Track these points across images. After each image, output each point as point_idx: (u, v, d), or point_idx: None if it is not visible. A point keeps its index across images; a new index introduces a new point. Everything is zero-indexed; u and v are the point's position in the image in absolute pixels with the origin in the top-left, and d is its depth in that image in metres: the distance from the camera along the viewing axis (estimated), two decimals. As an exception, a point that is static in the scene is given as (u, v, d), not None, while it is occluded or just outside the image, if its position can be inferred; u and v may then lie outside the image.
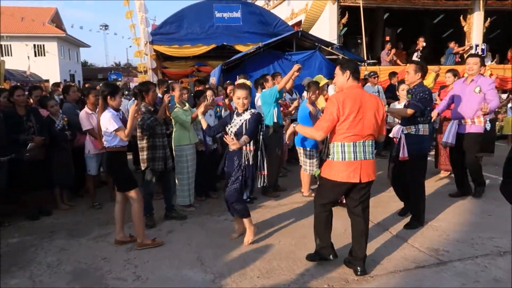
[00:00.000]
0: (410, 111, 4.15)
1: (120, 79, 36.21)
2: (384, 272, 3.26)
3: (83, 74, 41.86)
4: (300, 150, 5.34)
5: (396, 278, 3.16)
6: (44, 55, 35.48)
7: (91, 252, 3.87)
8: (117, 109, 4.04)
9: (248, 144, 3.76)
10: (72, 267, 3.57)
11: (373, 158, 3.20)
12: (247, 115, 3.79)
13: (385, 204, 5.00)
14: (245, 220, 3.92)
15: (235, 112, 3.91)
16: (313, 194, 5.44)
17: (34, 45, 35.35)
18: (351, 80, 3.19)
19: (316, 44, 8.04)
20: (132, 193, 3.92)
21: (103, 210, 5.19)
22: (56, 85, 8.43)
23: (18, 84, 16.23)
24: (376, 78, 7.63)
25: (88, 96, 5.42)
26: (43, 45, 35.77)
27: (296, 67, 5.04)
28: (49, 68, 33.65)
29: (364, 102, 3.11)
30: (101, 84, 5.79)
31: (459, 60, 11.33)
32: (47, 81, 28.32)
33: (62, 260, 3.71)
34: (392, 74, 8.35)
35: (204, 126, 4.10)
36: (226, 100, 5.93)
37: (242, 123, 3.79)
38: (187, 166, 4.89)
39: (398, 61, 10.71)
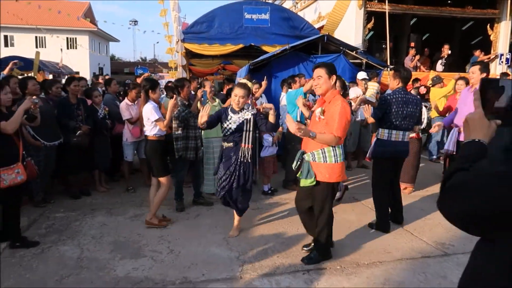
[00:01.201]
0: (370, 119, 4.27)
1: (146, 73, 37.19)
2: (392, 259, 3.59)
3: (111, 67, 43.12)
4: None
5: (402, 265, 3.49)
6: (76, 48, 36.67)
7: (128, 228, 4.34)
8: (157, 101, 4.50)
9: (246, 142, 3.88)
10: (113, 239, 4.04)
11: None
12: (247, 115, 3.88)
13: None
14: (237, 218, 4.15)
15: (229, 109, 3.95)
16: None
17: (67, 38, 36.59)
18: (335, 86, 3.40)
19: (341, 48, 8.32)
20: (163, 179, 4.37)
21: (137, 193, 5.67)
22: (96, 78, 9.01)
23: (51, 75, 17.08)
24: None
25: (131, 90, 5.90)
26: (75, 38, 37.07)
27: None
28: (80, 60, 34.79)
29: None
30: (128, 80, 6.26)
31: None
32: (78, 73, 29.35)
33: (103, 233, 4.19)
34: (415, 81, 8.56)
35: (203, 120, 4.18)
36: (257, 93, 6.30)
37: (243, 121, 3.86)
38: (213, 157, 5.31)
39: (422, 68, 10.85)
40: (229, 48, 10.83)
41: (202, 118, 3.75)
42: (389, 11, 9.84)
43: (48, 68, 22.97)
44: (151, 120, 4.30)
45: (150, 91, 4.44)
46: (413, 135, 5.37)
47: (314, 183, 3.35)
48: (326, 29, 10.55)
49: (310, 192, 3.47)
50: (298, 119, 5.82)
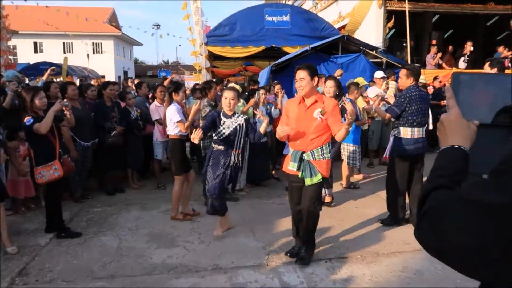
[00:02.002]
0: (387, 115, 4.38)
1: (169, 76, 37.99)
2: (411, 250, 3.77)
3: (135, 71, 44.18)
4: (343, 146, 5.88)
5: (420, 255, 3.66)
6: (101, 53, 37.73)
7: (161, 221, 4.66)
8: (180, 103, 4.81)
9: (237, 147, 3.96)
10: (148, 231, 4.36)
11: None
12: (240, 120, 3.95)
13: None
14: (219, 218, 4.16)
15: (221, 113, 3.99)
16: (351, 186, 6.00)
17: (93, 43, 37.69)
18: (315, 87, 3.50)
19: (361, 48, 8.47)
20: (178, 177, 4.64)
21: (167, 190, 6.00)
22: (126, 81, 9.47)
23: (79, 79, 17.75)
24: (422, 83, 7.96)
25: (156, 91, 6.27)
26: (101, 43, 38.14)
27: (338, 72, 5.59)
28: (105, 64, 35.78)
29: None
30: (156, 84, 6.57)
31: (509, 65, 11.21)
32: (103, 77, 30.20)
33: (139, 226, 4.53)
34: (434, 78, 8.62)
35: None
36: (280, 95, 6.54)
37: (236, 127, 3.92)
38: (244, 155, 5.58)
39: (444, 65, 10.83)
40: (251, 50, 11.11)
41: (195, 140, 3.69)
42: (410, 9, 9.88)
43: (75, 72, 23.80)
44: (173, 121, 4.60)
45: (173, 93, 4.76)
46: (418, 131, 5.38)
47: (321, 180, 3.40)
48: (348, 30, 10.67)
49: (301, 191, 3.51)
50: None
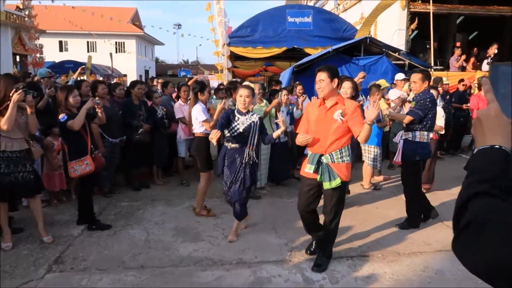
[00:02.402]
0: (408, 118, 4.27)
1: (189, 75, 38.51)
2: (432, 250, 3.82)
3: (155, 70, 44.87)
4: (364, 147, 5.93)
5: (441, 255, 3.71)
6: (124, 52, 38.42)
7: (186, 217, 4.82)
8: (205, 103, 4.96)
9: (252, 145, 3.98)
10: (174, 225, 4.53)
11: None
12: (255, 118, 3.98)
13: (438, 198, 5.47)
14: (236, 222, 4.13)
15: (235, 111, 4.02)
16: (372, 187, 6.04)
17: (116, 42, 38.42)
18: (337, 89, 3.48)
19: (384, 50, 8.47)
20: (204, 174, 4.78)
21: (190, 187, 6.16)
22: (151, 80, 9.73)
23: (102, 78, 18.22)
24: (444, 85, 7.94)
25: (180, 90, 6.45)
26: (124, 42, 38.85)
27: (361, 74, 5.64)
28: (127, 64, 36.44)
29: None
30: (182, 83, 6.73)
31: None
32: (125, 76, 30.74)
33: (165, 220, 4.70)
34: (460, 81, 8.55)
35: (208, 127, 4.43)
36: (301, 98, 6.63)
37: (250, 124, 3.94)
38: (260, 154, 5.69)
39: (468, 67, 10.70)
40: (273, 51, 11.22)
41: (212, 140, 3.64)
42: (434, 11, 9.81)
43: (99, 71, 24.39)
44: (199, 120, 4.76)
45: (199, 93, 4.93)
46: (431, 135, 5.34)
47: (340, 183, 3.32)
48: (363, 28, 10.60)
49: (317, 195, 3.51)
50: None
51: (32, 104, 3.78)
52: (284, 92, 6.01)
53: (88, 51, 37.01)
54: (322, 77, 3.34)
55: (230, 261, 3.60)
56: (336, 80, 3.35)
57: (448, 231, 4.36)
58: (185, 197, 5.62)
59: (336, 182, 3.30)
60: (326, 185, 3.33)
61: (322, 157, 3.36)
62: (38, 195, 4.02)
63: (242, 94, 3.95)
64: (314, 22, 10.96)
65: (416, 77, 4.33)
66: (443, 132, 6.24)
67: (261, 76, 22.21)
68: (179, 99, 6.43)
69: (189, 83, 7.08)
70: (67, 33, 35.21)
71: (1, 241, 3.83)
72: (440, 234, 4.24)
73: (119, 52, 37.94)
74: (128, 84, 10.65)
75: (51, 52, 32.82)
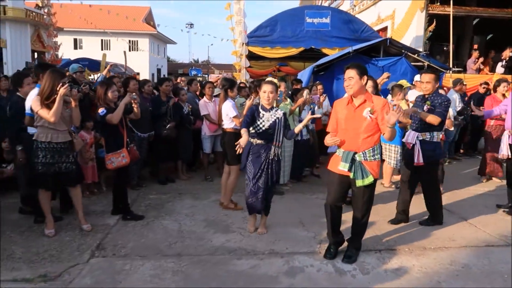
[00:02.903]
0: (438, 119, 4.24)
1: (199, 74, 38.84)
2: (457, 246, 3.94)
3: (167, 69, 45.27)
4: (385, 146, 6.04)
5: (466, 250, 3.83)
6: (137, 50, 38.84)
7: (214, 210, 4.98)
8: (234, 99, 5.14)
9: (277, 141, 4.02)
10: (204, 218, 4.69)
11: None
12: (279, 113, 4.01)
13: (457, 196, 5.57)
14: (264, 217, 4.27)
15: (260, 107, 4.03)
16: (393, 186, 6.15)
17: (129, 40, 38.82)
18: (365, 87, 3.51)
19: (403, 51, 8.55)
20: (234, 168, 4.93)
21: (214, 182, 6.34)
22: (175, 78, 9.97)
23: (115, 75, 18.55)
24: (464, 86, 8.01)
25: (204, 88, 6.63)
26: (137, 41, 39.25)
27: (385, 75, 5.76)
28: (140, 62, 36.80)
29: None
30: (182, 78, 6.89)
31: None
32: (138, 74, 31.12)
33: (194, 212, 4.87)
34: (485, 84, 8.57)
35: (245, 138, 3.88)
36: (322, 97, 6.76)
37: (275, 120, 3.96)
38: (284, 151, 5.83)
39: (486, 70, 10.72)
40: (291, 50, 11.35)
41: (241, 147, 3.73)
42: (452, 13, 9.87)
43: (112, 69, 24.63)
44: (230, 116, 4.93)
45: (229, 90, 5.11)
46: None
47: (372, 181, 3.41)
48: (396, 33, 10.67)
49: (346, 190, 3.63)
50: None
51: (76, 98, 3.98)
52: (306, 91, 6.14)
53: (102, 49, 37.47)
54: (351, 74, 3.39)
55: (262, 251, 3.75)
56: (365, 78, 3.40)
57: (471, 228, 4.47)
58: (211, 192, 5.79)
59: (369, 180, 3.39)
60: (359, 183, 3.41)
61: (356, 155, 3.42)
62: (79, 184, 4.22)
63: (266, 90, 3.99)
64: (332, 23, 11.07)
65: (429, 77, 4.34)
66: (451, 128, 6.32)
67: (273, 75, 22.38)
68: (204, 97, 6.60)
69: (214, 80, 7.25)
70: (81, 31, 35.66)
71: (44, 228, 4.04)
72: (463, 231, 4.35)
73: (132, 50, 38.36)
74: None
75: (66, 50, 33.24)
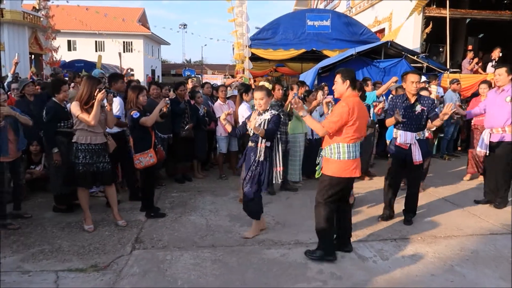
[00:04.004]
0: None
1: (193, 75, 39.05)
2: (464, 234, 4.31)
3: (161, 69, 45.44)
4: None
5: (473, 238, 4.20)
6: (131, 51, 38.89)
7: (235, 205, 5.30)
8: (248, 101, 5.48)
9: (262, 141, 4.03)
10: (227, 213, 5.01)
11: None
12: (267, 115, 4.08)
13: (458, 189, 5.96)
14: (254, 221, 4.25)
15: (256, 112, 4.19)
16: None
17: (124, 42, 38.87)
18: (350, 89, 3.56)
19: (403, 53, 8.94)
20: None
21: (229, 180, 6.66)
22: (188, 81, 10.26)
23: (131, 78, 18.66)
24: (459, 85, 8.40)
25: (218, 92, 6.95)
26: (131, 42, 39.30)
27: (394, 79, 6.13)
28: (135, 63, 36.84)
29: (363, 110, 3.61)
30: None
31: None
32: (133, 75, 31.24)
33: (217, 208, 5.18)
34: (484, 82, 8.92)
35: (229, 129, 4.26)
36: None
37: (262, 122, 4.05)
38: (299, 150, 6.18)
39: (480, 70, 11.15)
40: (292, 52, 11.69)
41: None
42: (448, 15, 10.27)
43: (108, 70, 24.85)
44: (245, 117, 5.25)
45: (244, 94, 5.44)
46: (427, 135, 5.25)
47: (320, 175, 3.76)
48: (389, 35, 11.07)
49: None
50: (370, 118, 6.58)
51: (112, 102, 4.28)
52: (321, 92, 6.47)
53: (96, 51, 37.53)
54: (336, 79, 3.64)
55: (288, 242, 4.09)
56: (347, 82, 3.56)
57: (475, 218, 4.85)
58: (228, 189, 6.11)
59: (317, 173, 3.92)
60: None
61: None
62: (113, 183, 4.51)
63: (256, 98, 4.12)
64: (332, 26, 11.44)
65: (416, 77, 4.46)
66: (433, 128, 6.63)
67: (269, 76, 22.74)
68: (218, 99, 6.92)
69: (226, 83, 7.54)
70: (75, 33, 35.60)
71: (83, 223, 4.33)
72: (468, 222, 4.73)
73: (126, 51, 38.43)
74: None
75: (60, 51, 33.41)
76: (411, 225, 4.58)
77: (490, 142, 5.14)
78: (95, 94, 4.07)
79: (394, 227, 4.55)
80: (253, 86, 7.94)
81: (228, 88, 8.20)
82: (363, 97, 6.27)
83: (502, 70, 5.03)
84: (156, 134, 5.86)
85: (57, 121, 4.58)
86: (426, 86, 7.59)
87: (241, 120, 5.40)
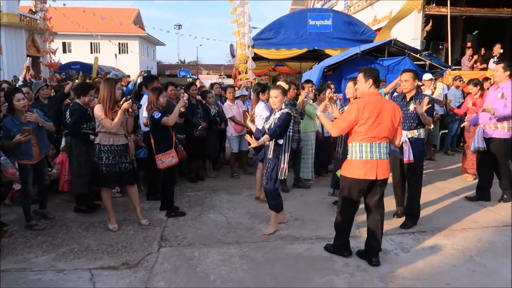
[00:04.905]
0: (431, 119, 4.36)
1: (188, 75, 39.08)
2: (480, 227, 4.45)
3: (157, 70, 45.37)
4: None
5: (488, 230, 4.34)
6: (127, 53, 38.83)
7: (251, 203, 5.39)
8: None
9: (271, 139, 4.12)
10: (245, 211, 5.11)
11: (387, 158, 3.53)
12: (279, 114, 4.19)
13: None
14: (272, 214, 4.35)
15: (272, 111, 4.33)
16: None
17: (119, 43, 38.75)
18: (372, 88, 3.53)
19: (406, 51, 9.09)
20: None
21: (240, 179, 6.75)
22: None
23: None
24: (462, 82, 8.56)
25: (226, 92, 7.05)
26: (127, 43, 39.21)
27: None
28: (130, 64, 36.83)
29: (384, 108, 3.46)
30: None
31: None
32: (129, 76, 31.26)
33: (235, 207, 5.27)
34: (485, 79, 9.09)
35: (253, 129, 4.43)
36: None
37: (272, 122, 4.19)
38: (312, 148, 6.28)
39: (480, 67, 11.33)
40: (294, 52, 11.84)
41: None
42: (448, 13, 10.47)
43: (103, 71, 24.85)
44: (263, 116, 5.35)
45: (260, 93, 5.53)
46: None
47: (339, 174, 3.77)
48: (386, 28, 11.17)
49: None
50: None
51: (135, 110, 4.37)
52: (329, 90, 6.58)
53: (91, 52, 37.43)
54: (358, 77, 3.67)
55: (310, 237, 4.19)
56: (370, 81, 3.55)
57: (488, 212, 4.99)
58: (242, 187, 6.20)
59: (338, 172, 3.97)
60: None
61: None
62: (135, 183, 4.59)
63: (271, 95, 4.27)
64: (333, 25, 11.61)
65: (407, 75, 4.41)
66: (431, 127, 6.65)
67: (267, 76, 22.86)
68: (227, 100, 7.01)
69: (237, 84, 7.64)
70: (70, 35, 35.44)
71: (108, 223, 4.41)
72: (482, 216, 4.86)
73: (122, 52, 38.36)
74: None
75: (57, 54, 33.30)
76: (416, 224, 4.50)
77: (484, 138, 5.19)
78: (121, 103, 4.16)
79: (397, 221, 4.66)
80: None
81: (236, 88, 8.29)
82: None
83: (499, 67, 5.06)
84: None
85: (81, 123, 4.65)
86: (433, 83, 7.80)
87: (257, 119, 5.48)
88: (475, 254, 3.76)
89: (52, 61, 20.94)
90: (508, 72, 4.99)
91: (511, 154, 5.23)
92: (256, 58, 12.79)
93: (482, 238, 4.12)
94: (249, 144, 4.03)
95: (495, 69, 5.17)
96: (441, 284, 3.24)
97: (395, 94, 6.76)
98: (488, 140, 5.19)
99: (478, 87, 6.46)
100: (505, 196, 5.33)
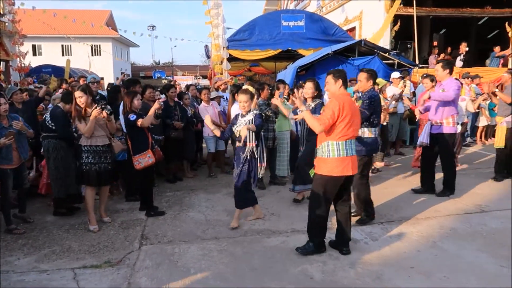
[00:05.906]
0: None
1: (163, 77, 38.84)
2: (442, 215, 4.77)
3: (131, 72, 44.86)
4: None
5: (450, 218, 4.67)
6: (100, 55, 38.23)
7: (229, 201, 5.52)
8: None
9: (251, 141, 4.34)
10: (223, 208, 5.27)
11: (355, 153, 3.74)
12: (250, 116, 4.40)
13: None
14: (256, 207, 4.74)
15: (239, 114, 4.51)
16: (374, 171, 6.94)
17: (92, 45, 38.12)
18: (342, 88, 3.66)
19: (375, 50, 9.45)
20: None
21: (218, 178, 6.91)
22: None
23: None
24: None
25: (201, 94, 7.19)
26: (99, 45, 38.55)
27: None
28: (104, 66, 36.32)
29: (355, 108, 3.64)
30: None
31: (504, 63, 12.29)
32: (102, 78, 30.79)
33: (213, 205, 5.43)
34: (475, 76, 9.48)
35: (218, 134, 4.68)
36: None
37: (246, 123, 4.36)
38: (287, 146, 6.50)
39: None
40: (269, 52, 12.02)
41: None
42: (415, 13, 10.92)
43: (76, 74, 24.50)
44: None
45: (236, 94, 5.71)
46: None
47: (313, 174, 3.81)
48: (373, 38, 11.55)
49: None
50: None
51: (108, 118, 4.47)
52: (301, 90, 6.79)
53: (63, 55, 36.70)
54: (326, 79, 3.75)
55: (285, 230, 4.40)
56: (340, 81, 3.67)
57: (450, 201, 5.33)
58: (219, 186, 6.37)
59: (312, 172, 3.99)
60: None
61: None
62: (112, 184, 4.70)
63: (240, 100, 4.44)
64: (306, 26, 11.86)
65: (361, 76, 4.54)
66: (385, 123, 6.87)
67: (242, 76, 23.06)
68: (202, 102, 7.15)
69: (216, 85, 7.76)
70: (40, 37, 34.63)
71: (88, 224, 4.49)
72: (444, 205, 5.19)
73: (95, 54, 37.72)
74: (105, 86, 11.12)
75: (27, 57, 32.46)
76: (391, 213, 4.85)
77: (430, 133, 5.45)
78: (91, 111, 4.29)
79: (380, 212, 4.93)
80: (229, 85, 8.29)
81: (211, 89, 8.44)
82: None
83: (438, 66, 5.35)
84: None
85: (69, 126, 4.76)
86: (402, 81, 8.16)
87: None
88: (438, 240, 4.06)
89: (23, 65, 20.51)
90: (448, 70, 5.32)
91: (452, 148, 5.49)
92: (231, 58, 12.95)
93: (444, 225, 4.44)
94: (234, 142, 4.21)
95: (435, 68, 5.45)
96: (406, 268, 3.50)
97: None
98: (435, 135, 5.44)
99: (434, 83, 6.80)
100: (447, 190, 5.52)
